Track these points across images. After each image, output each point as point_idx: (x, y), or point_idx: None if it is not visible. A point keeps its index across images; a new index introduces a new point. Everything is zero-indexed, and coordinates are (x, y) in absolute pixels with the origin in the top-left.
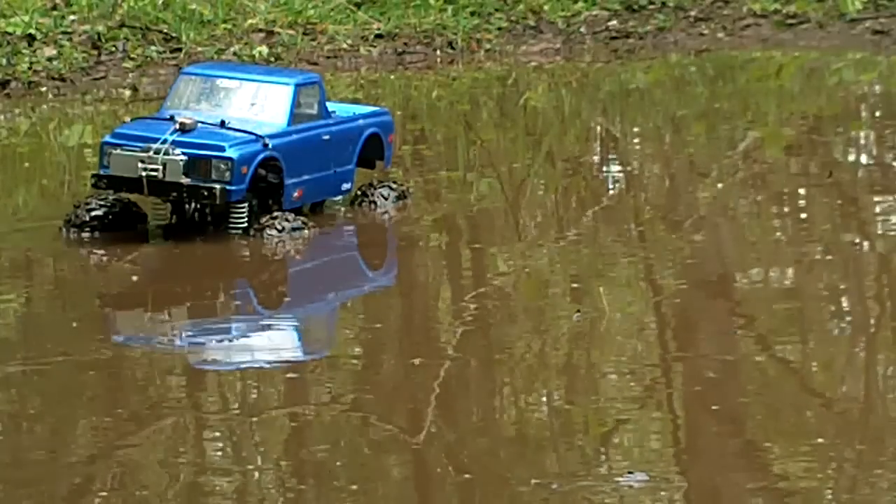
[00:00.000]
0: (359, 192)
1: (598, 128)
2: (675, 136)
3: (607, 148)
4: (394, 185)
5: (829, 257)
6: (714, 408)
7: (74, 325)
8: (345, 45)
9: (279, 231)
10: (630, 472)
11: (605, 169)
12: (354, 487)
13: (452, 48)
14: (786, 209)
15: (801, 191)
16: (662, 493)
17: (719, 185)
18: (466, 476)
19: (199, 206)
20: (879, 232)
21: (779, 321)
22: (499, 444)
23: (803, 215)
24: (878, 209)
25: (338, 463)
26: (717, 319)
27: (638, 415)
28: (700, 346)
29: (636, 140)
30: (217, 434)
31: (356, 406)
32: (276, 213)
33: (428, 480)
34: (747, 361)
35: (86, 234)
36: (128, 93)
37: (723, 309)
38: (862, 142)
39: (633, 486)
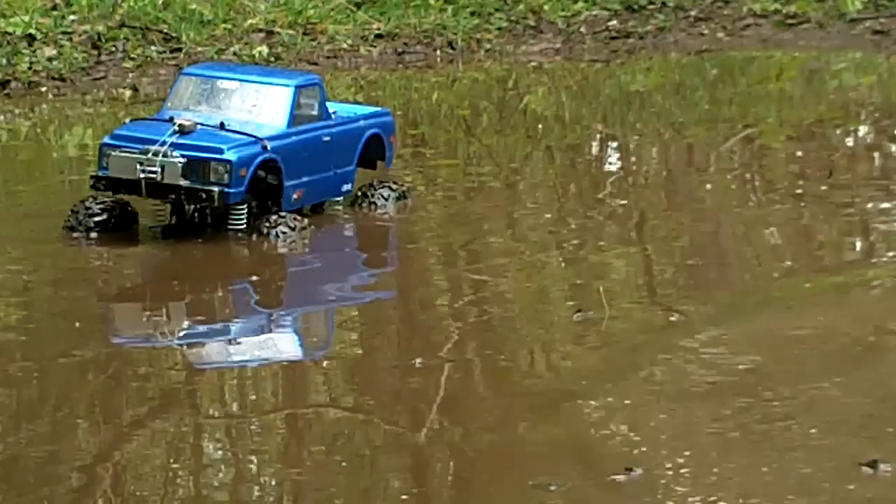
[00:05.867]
0: (359, 193)
1: (598, 136)
2: (675, 144)
3: (607, 153)
4: (394, 186)
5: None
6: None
7: (77, 325)
8: (345, 45)
9: (286, 231)
10: (628, 469)
11: (604, 170)
12: (353, 486)
13: (452, 48)
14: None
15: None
16: (658, 488)
17: (709, 186)
18: (466, 476)
19: (198, 207)
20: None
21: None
22: (500, 443)
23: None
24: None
25: (343, 463)
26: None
27: (634, 414)
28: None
29: (636, 147)
30: (217, 435)
31: (355, 407)
32: (283, 214)
33: (428, 480)
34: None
35: (86, 235)
36: (128, 93)
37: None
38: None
39: (628, 482)
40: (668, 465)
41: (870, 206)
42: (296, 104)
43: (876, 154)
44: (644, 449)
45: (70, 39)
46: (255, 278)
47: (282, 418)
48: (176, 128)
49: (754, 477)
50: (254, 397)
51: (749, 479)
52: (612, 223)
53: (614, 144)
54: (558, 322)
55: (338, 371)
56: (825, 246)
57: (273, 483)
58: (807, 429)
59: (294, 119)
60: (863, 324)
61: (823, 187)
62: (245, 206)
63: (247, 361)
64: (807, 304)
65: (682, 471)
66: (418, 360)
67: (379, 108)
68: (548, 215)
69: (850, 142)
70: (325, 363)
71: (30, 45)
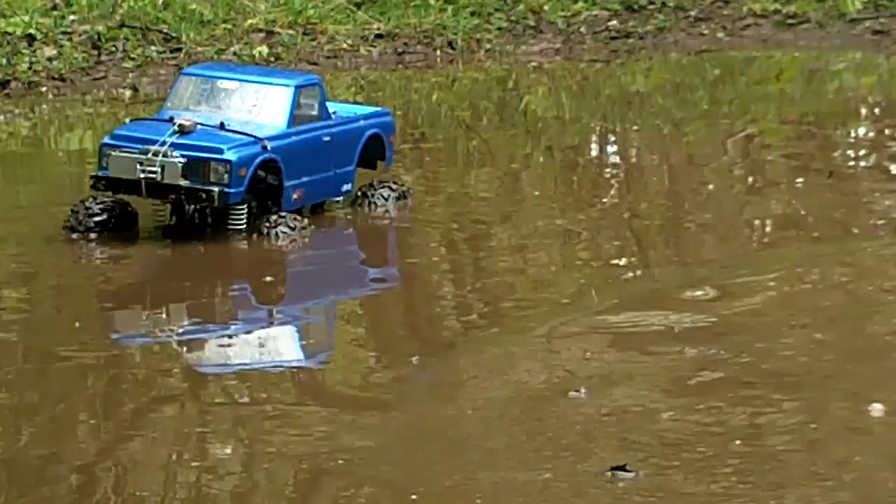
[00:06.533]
0: (359, 193)
1: (598, 133)
2: (675, 142)
3: (607, 152)
4: (394, 186)
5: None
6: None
7: (77, 325)
8: (345, 45)
9: (286, 231)
10: (616, 470)
11: (605, 169)
12: (353, 490)
13: (452, 48)
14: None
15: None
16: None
17: (711, 187)
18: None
19: (198, 207)
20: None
21: None
22: (504, 441)
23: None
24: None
25: (340, 461)
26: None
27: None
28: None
29: (636, 145)
30: (218, 435)
31: (359, 407)
32: (283, 214)
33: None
34: None
35: (86, 235)
36: (128, 93)
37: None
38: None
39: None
40: None
41: (865, 196)
42: (296, 104)
43: (875, 149)
44: None
45: (70, 39)
46: (269, 279)
47: (285, 419)
48: (176, 128)
49: None
50: (253, 398)
51: None
52: (611, 220)
53: (614, 144)
54: (559, 319)
55: (340, 371)
56: (812, 225)
57: (275, 483)
58: None
59: (294, 119)
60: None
61: (823, 181)
62: (245, 206)
63: (248, 363)
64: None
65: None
66: (415, 358)
67: (379, 108)
68: (546, 210)
69: (849, 140)
70: (327, 363)
71: (30, 45)
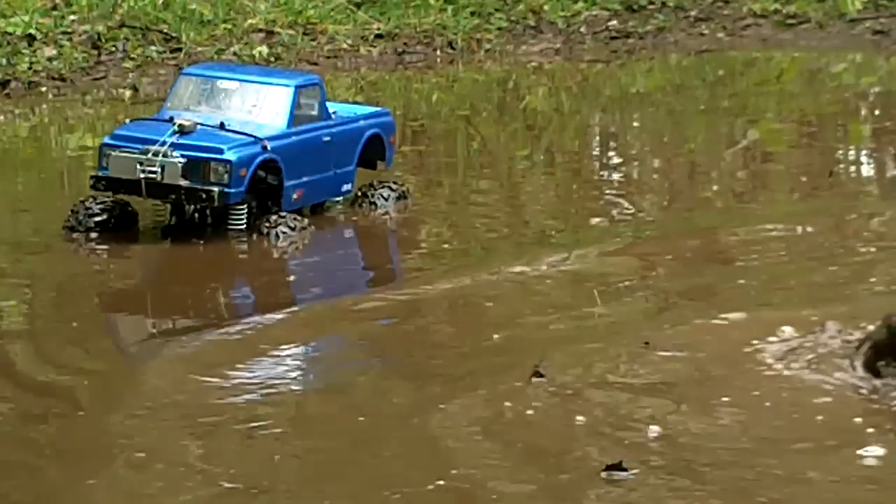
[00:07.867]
0: (359, 193)
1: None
2: (675, 141)
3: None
4: (394, 186)
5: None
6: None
7: (74, 325)
8: (345, 45)
9: (286, 231)
10: (612, 468)
11: (604, 172)
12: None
13: (452, 48)
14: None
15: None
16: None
17: (715, 187)
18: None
19: (198, 207)
20: None
21: None
22: (504, 443)
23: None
24: None
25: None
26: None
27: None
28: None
29: (636, 143)
30: (219, 438)
31: (362, 408)
32: (283, 214)
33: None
34: None
35: (86, 235)
36: (128, 93)
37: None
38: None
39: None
40: None
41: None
42: (296, 104)
43: (874, 148)
44: None
45: (70, 39)
46: (292, 279)
47: (287, 422)
48: (176, 128)
49: None
50: (258, 400)
51: None
52: (616, 232)
53: (613, 138)
54: (559, 319)
55: (340, 371)
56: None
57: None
58: None
59: (294, 119)
60: None
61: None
62: (245, 206)
63: (246, 364)
64: None
65: None
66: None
67: (379, 109)
68: (545, 208)
69: (849, 139)
70: (327, 362)
71: (30, 45)
